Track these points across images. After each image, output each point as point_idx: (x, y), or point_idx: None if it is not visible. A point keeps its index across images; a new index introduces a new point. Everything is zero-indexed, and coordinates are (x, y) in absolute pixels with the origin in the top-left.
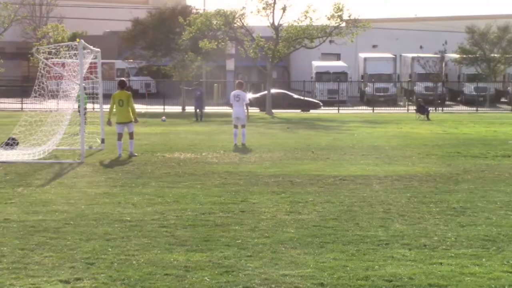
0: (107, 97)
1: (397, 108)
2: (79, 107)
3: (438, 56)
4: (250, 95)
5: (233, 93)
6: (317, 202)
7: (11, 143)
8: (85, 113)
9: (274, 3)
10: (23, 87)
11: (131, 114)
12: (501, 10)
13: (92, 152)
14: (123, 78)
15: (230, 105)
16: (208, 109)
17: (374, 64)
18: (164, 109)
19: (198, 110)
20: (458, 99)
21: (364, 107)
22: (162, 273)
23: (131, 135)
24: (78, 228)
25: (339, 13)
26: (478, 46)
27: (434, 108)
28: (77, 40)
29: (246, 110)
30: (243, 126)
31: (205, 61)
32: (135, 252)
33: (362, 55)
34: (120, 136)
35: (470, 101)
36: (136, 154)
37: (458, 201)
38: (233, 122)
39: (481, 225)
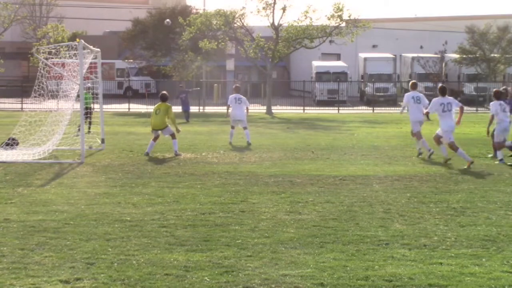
0: (107, 97)
1: (397, 108)
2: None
3: (438, 56)
4: None
5: (233, 96)
6: (317, 202)
7: (11, 143)
8: (91, 113)
9: (274, 3)
10: (23, 87)
11: (165, 122)
12: (501, 10)
13: (92, 152)
14: (164, 92)
15: (227, 107)
16: (208, 109)
17: (374, 64)
18: None
19: (185, 111)
20: (458, 99)
21: (364, 107)
22: (162, 273)
23: (172, 137)
24: (78, 228)
25: (339, 13)
26: (478, 46)
27: None
28: (77, 40)
29: (246, 112)
30: (245, 128)
31: (205, 61)
32: (135, 252)
33: (362, 55)
34: (154, 138)
35: (470, 101)
36: (180, 153)
37: (458, 201)
38: (231, 124)
39: (481, 225)
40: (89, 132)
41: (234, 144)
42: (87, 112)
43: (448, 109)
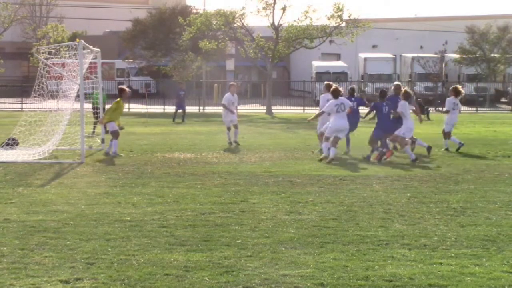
0: (107, 97)
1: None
2: (94, 108)
3: (438, 56)
4: None
5: (232, 98)
6: (317, 202)
7: (11, 143)
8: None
9: (274, 3)
10: (23, 87)
11: (111, 116)
12: (501, 10)
13: (92, 152)
14: (122, 86)
15: (224, 108)
16: (208, 109)
17: (374, 64)
18: (164, 109)
19: (180, 111)
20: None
21: (364, 107)
22: (162, 273)
23: (113, 136)
24: (78, 228)
25: (339, 13)
26: (478, 46)
27: (434, 108)
28: (77, 40)
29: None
30: (236, 126)
31: (205, 61)
32: (135, 252)
33: (362, 55)
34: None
35: (470, 101)
36: (120, 154)
37: (458, 201)
38: (226, 125)
39: (481, 225)
40: (93, 132)
41: (236, 145)
42: (97, 112)
43: (342, 110)
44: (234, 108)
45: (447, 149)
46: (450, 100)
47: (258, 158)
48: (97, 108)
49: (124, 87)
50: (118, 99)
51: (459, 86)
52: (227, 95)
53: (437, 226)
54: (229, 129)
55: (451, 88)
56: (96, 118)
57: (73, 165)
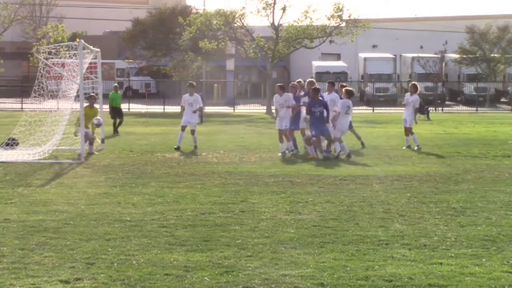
0: (106, 97)
1: (397, 108)
2: (111, 108)
3: (438, 56)
4: None
5: (189, 98)
6: (317, 202)
7: (11, 143)
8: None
9: (274, 3)
10: (23, 87)
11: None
12: (501, 10)
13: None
14: (91, 94)
15: (182, 108)
16: (208, 109)
17: (374, 64)
18: (164, 109)
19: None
20: (458, 99)
21: (364, 107)
22: (162, 273)
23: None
24: (78, 228)
25: (339, 13)
26: (478, 46)
27: (434, 108)
28: (77, 40)
29: (200, 112)
30: (193, 132)
31: (205, 61)
32: (135, 252)
33: (362, 55)
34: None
35: (470, 101)
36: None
37: (458, 201)
38: (181, 124)
39: (481, 225)
40: (116, 132)
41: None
42: (116, 112)
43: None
44: (192, 109)
45: (409, 146)
46: (416, 97)
47: (258, 158)
48: (114, 108)
49: (93, 95)
50: (85, 106)
51: (415, 83)
52: (184, 96)
53: (437, 226)
54: (183, 129)
55: (411, 85)
56: (114, 118)
57: (73, 165)
